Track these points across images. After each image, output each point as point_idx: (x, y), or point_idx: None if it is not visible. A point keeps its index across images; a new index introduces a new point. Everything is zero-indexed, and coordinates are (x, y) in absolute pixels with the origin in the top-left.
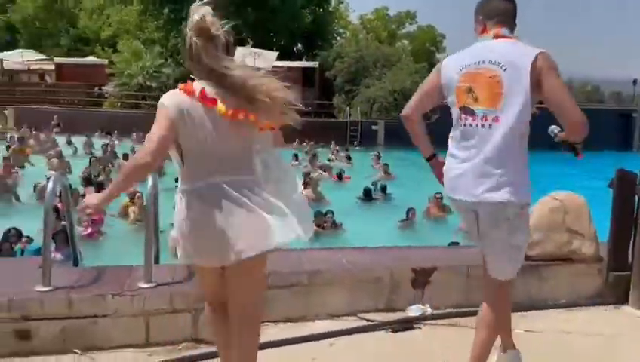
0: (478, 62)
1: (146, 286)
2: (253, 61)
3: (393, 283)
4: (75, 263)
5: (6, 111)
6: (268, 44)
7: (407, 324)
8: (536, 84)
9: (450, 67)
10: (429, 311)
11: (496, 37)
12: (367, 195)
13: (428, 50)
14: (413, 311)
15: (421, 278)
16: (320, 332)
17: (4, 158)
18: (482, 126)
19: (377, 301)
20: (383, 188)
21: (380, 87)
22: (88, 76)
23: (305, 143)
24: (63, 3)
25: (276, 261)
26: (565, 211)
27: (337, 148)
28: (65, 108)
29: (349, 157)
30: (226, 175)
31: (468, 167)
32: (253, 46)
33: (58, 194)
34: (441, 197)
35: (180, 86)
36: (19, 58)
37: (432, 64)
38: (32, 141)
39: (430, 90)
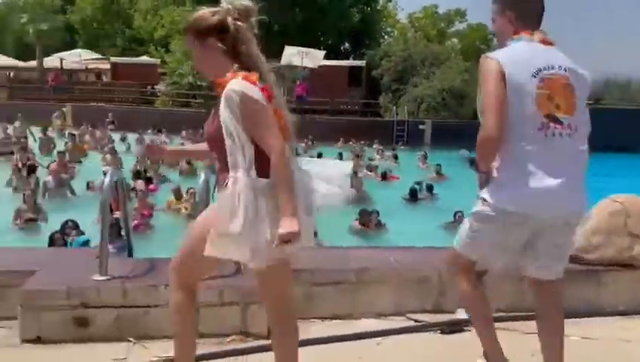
0: (549, 68)
1: None
2: (301, 60)
3: (442, 284)
4: (130, 254)
5: (64, 109)
6: (316, 44)
7: (456, 326)
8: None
9: (518, 70)
10: None
11: (544, 42)
12: (413, 195)
13: (478, 48)
14: (463, 312)
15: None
16: (367, 331)
17: (59, 153)
18: (569, 135)
19: (425, 301)
20: (430, 188)
21: (428, 85)
22: (142, 75)
23: (352, 142)
24: (119, 4)
25: (322, 258)
26: (627, 215)
27: (382, 147)
28: (119, 106)
29: (395, 157)
30: None
31: (562, 182)
32: (301, 45)
33: (114, 187)
34: None
35: (244, 75)
36: (77, 57)
37: None
38: (88, 137)
39: (505, 99)
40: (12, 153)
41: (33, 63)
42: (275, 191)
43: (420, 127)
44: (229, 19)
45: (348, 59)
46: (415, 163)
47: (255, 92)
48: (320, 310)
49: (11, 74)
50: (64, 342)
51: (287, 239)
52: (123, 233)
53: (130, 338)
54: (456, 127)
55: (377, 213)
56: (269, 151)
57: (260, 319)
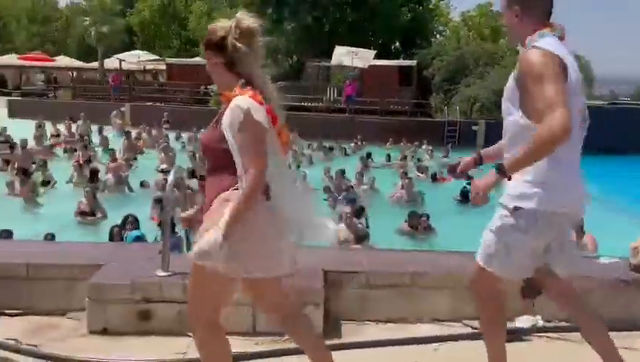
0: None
1: None
2: (351, 60)
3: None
4: (189, 250)
5: (123, 108)
6: (366, 43)
7: (514, 335)
8: None
9: (570, 66)
10: (540, 322)
11: (562, 38)
12: (465, 196)
13: None
14: (523, 321)
15: (532, 288)
16: (424, 336)
17: (115, 151)
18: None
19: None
20: None
21: (481, 85)
22: (195, 75)
23: (402, 143)
24: (175, 7)
25: (378, 260)
26: None
27: (431, 148)
28: (174, 106)
29: (447, 158)
30: None
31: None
32: (352, 45)
33: (175, 185)
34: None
35: (252, 94)
36: (135, 59)
37: None
38: (144, 136)
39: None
40: (75, 150)
41: (95, 64)
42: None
43: (473, 127)
44: (229, 38)
45: (398, 58)
46: None
47: (260, 113)
48: (374, 313)
49: (74, 74)
50: (128, 334)
51: (190, 225)
52: (177, 229)
53: (190, 334)
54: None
55: (427, 216)
56: (248, 169)
57: (315, 319)
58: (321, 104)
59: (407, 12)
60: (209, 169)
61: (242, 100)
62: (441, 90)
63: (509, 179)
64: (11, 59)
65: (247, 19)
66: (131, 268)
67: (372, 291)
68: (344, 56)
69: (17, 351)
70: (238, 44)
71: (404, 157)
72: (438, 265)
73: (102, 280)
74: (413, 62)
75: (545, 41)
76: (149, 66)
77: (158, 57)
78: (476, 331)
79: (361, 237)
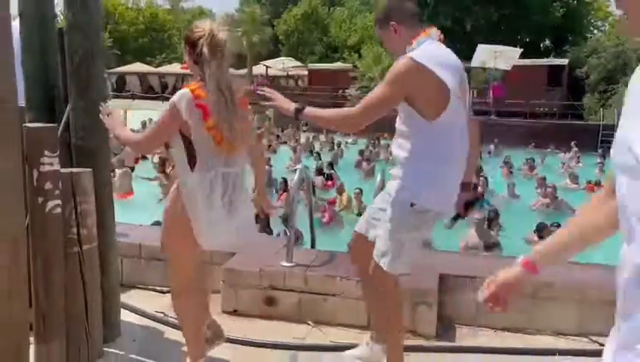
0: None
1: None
2: (494, 61)
3: None
4: (312, 245)
5: (267, 112)
6: (511, 42)
7: None
8: None
9: (443, 69)
10: None
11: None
12: None
13: None
14: None
15: None
16: (543, 348)
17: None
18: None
19: (612, 325)
20: None
21: None
22: (334, 80)
23: (551, 148)
24: (318, 15)
25: (499, 267)
26: None
27: (579, 154)
28: None
29: (601, 165)
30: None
31: None
32: (496, 44)
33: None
34: None
35: (192, 87)
36: (280, 65)
37: None
38: (283, 137)
39: None
40: None
41: (244, 71)
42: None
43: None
44: (201, 42)
45: (548, 57)
46: None
47: (183, 101)
48: (491, 319)
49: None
50: (255, 317)
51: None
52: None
53: (309, 322)
54: None
55: (559, 225)
56: None
57: (429, 320)
58: None
59: (559, 7)
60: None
61: (180, 91)
62: (596, 91)
63: (297, 119)
64: (174, 67)
65: (221, 32)
66: (260, 258)
67: None
68: (486, 56)
69: (164, 322)
70: (204, 50)
71: (541, 163)
72: (566, 276)
73: (234, 266)
74: (564, 61)
75: (421, 48)
76: (292, 72)
77: (300, 63)
78: (601, 348)
79: (490, 245)
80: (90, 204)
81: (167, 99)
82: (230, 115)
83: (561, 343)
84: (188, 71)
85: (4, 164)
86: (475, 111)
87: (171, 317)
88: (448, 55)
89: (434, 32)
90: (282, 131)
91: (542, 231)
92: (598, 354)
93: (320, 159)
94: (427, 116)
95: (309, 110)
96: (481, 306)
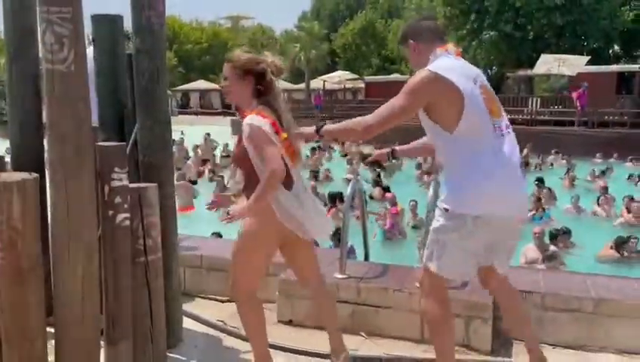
0: (476, 77)
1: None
2: (558, 68)
3: None
4: (366, 258)
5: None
6: (577, 50)
7: None
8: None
9: (462, 80)
10: None
11: (458, 55)
12: None
13: None
14: None
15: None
16: None
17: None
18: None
19: None
20: None
21: None
22: (391, 92)
23: (614, 157)
24: (375, 28)
25: (558, 282)
26: None
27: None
28: None
29: None
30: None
31: None
32: (561, 52)
33: (354, 197)
34: None
35: (258, 111)
36: (336, 79)
37: None
38: (353, 149)
39: None
40: None
41: (302, 85)
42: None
43: None
44: (268, 71)
45: (618, 63)
46: None
47: (262, 123)
48: (550, 336)
49: (286, 95)
50: (310, 328)
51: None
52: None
53: (362, 333)
54: None
55: (637, 239)
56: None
57: (484, 335)
58: (521, 116)
59: (628, 11)
60: (245, 183)
61: (250, 117)
62: None
63: (321, 137)
64: None
65: (280, 61)
66: None
67: (548, 313)
68: (550, 64)
69: (223, 330)
70: (271, 80)
71: (602, 173)
72: (627, 292)
73: (290, 277)
74: (635, 67)
75: (437, 62)
76: (349, 85)
77: (357, 76)
78: None
79: (549, 258)
80: (155, 217)
81: (230, 114)
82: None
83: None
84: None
85: (80, 180)
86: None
87: (231, 326)
88: (463, 65)
89: (451, 46)
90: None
91: (618, 244)
92: None
93: (375, 170)
94: (446, 126)
95: (328, 126)
96: (539, 322)
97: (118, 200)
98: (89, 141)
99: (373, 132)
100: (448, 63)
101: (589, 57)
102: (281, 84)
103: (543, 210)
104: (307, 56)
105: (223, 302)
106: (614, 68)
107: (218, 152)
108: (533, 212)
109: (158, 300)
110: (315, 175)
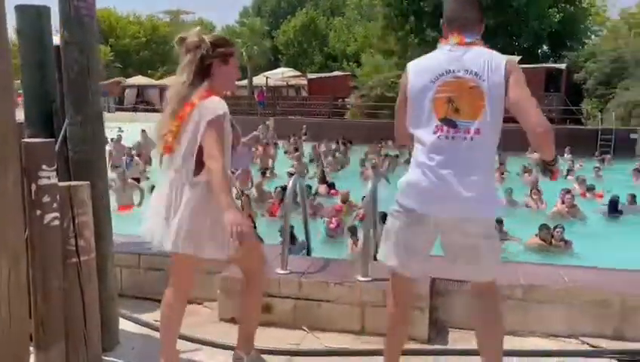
0: (454, 71)
1: (363, 279)
2: None
3: (625, 309)
4: (308, 253)
5: (268, 122)
6: (509, 49)
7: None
8: (505, 93)
9: (417, 73)
10: None
11: (460, 44)
12: (614, 207)
13: None
14: None
15: None
16: (536, 349)
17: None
18: (461, 138)
19: (603, 327)
20: (633, 197)
21: None
22: (334, 89)
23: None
24: (317, 26)
25: None
26: None
27: (572, 158)
28: (314, 119)
29: (597, 169)
30: None
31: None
32: (495, 50)
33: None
34: None
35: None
36: (280, 75)
37: None
38: (287, 147)
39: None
40: None
41: (244, 82)
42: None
43: (632, 136)
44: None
45: (546, 62)
46: (624, 178)
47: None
48: None
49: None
50: None
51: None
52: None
53: (304, 328)
54: None
55: (562, 228)
56: None
57: (421, 324)
58: None
59: (556, 13)
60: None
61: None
62: (594, 95)
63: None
64: None
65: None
66: None
67: None
68: None
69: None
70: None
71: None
72: (554, 279)
73: (230, 274)
74: (562, 66)
75: (426, 55)
76: (292, 82)
77: (299, 73)
78: (594, 349)
79: None
80: (87, 216)
81: None
82: None
83: (553, 345)
84: None
85: (3, 178)
86: None
87: None
88: (439, 60)
89: (453, 38)
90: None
91: (543, 232)
92: (587, 354)
93: (323, 168)
94: (408, 122)
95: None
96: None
97: (46, 199)
98: (13, 137)
99: (396, 135)
100: (430, 56)
101: (521, 56)
102: None
103: None
104: (249, 52)
105: (159, 301)
106: (542, 66)
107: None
108: None
109: (91, 302)
110: (263, 172)
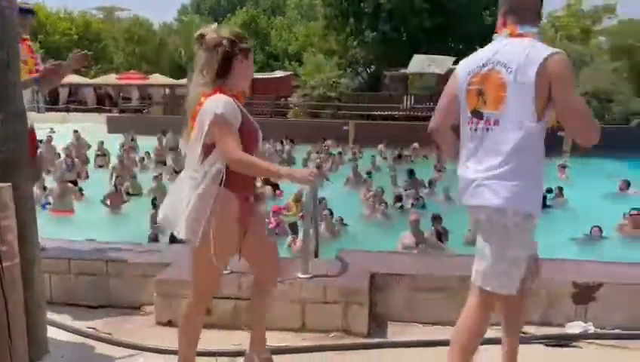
0: (485, 64)
1: (303, 276)
2: (429, 67)
3: (551, 296)
4: None
5: None
6: (445, 50)
7: (565, 341)
8: (546, 89)
9: (461, 73)
10: (591, 329)
11: (512, 35)
12: (543, 202)
13: (630, 46)
14: (574, 327)
15: (584, 294)
16: None
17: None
18: (484, 129)
19: (532, 313)
20: (561, 190)
21: None
22: (277, 88)
23: None
24: (258, 24)
25: (427, 264)
26: None
27: None
28: (256, 118)
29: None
30: None
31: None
32: (430, 52)
33: None
34: None
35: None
36: None
37: (635, 61)
38: None
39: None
40: (165, 163)
41: (184, 81)
42: None
43: (559, 133)
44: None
45: None
46: (552, 173)
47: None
48: (421, 315)
49: (166, 91)
50: None
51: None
52: None
53: (245, 327)
54: (602, 134)
55: None
56: None
57: (361, 319)
58: (399, 113)
59: (488, 16)
60: None
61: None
62: None
63: None
64: (110, 78)
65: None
66: None
67: (419, 294)
68: (422, 63)
69: (96, 338)
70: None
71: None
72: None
73: (168, 276)
74: None
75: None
76: None
77: None
78: (523, 335)
79: (424, 243)
80: (10, 220)
81: (105, 111)
82: None
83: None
84: (126, 82)
85: None
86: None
87: (104, 333)
88: (483, 52)
89: (507, 29)
90: None
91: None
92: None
93: None
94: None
95: None
96: (411, 303)
97: None
98: None
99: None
100: (480, 50)
101: (456, 57)
102: (163, 79)
103: (421, 198)
104: (188, 50)
105: (95, 308)
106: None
107: (92, 151)
108: (413, 201)
109: (16, 310)
110: None
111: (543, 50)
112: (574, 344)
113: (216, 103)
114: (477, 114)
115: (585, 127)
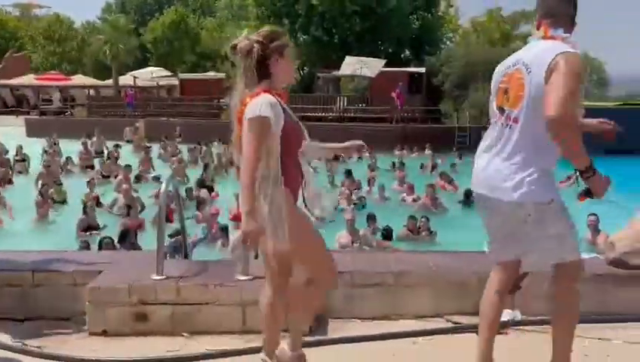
0: (514, 64)
1: (243, 278)
2: (360, 70)
3: (481, 287)
4: (185, 256)
5: (137, 124)
6: (376, 53)
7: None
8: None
9: (497, 69)
10: (518, 316)
11: (544, 38)
12: (468, 197)
13: None
14: (502, 315)
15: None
16: (403, 331)
17: (127, 166)
18: (504, 125)
19: (463, 304)
20: None
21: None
22: (208, 90)
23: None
24: (187, 24)
25: (363, 261)
26: None
27: (432, 153)
28: (187, 120)
29: (453, 165)
30: None
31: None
32: (362, 55)
33: (171, 193)
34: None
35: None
36: (149, 75)
37: None
38: (162, 151)
39: None
40: (92, 167)
41: (110, 82)
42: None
43: (483, 133)
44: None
45: (409, 66)
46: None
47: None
48: (359, 311)
49: (90, 92)
50: (126, 336)
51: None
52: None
53: (184, 333)
54: None
55: (427, 218)
56: None
57: None
58: (332, 114)
59: (415, 20)
60: None
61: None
62: (450, 97)
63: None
64: (29, 79)
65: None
66: (129, 273)
67: (357, 290)
68: (353, 65)
69: (22, 352)
70: None
71: (402, 164)
72: (421, 264)
73: (101, 284)
74: (422, 70)
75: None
76: (163, 82)
77: (170, 73)
78: (456, 325)
79: (359, 241)
80: None
81: (23, 113)
82: None
83: (421, 325)
84: (45, 83)
85: None
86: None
87: (32, 346)
88: (515, 53)
89: (540, 31)
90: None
91: (411, 224)
92: (450, 331)
93: (206, 170)
94: None
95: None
96: (350, 299)
97: None
98: None
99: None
100: (518, 51)
101: (386, 60)
102: (86, 79)
103: (363, 198)
104: (113, 50)
105: (21, 321)
106: (404, 70)
107: (10, 156)
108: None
109: None
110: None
111: (557, 50)
112: (503, 331)
113: (262, 102)
114: (501, 110)
115: (558, 104)
